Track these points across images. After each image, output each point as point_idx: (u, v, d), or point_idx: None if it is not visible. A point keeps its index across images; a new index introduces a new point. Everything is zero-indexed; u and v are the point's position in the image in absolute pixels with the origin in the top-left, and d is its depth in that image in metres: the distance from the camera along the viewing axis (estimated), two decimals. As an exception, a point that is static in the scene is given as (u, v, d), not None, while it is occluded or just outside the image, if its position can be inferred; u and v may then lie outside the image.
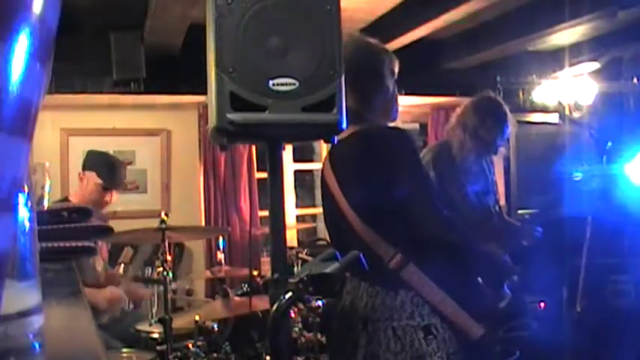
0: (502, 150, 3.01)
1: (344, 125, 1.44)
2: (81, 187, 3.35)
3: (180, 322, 2.87)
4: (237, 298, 3.06)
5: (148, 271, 3.69)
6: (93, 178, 3.30)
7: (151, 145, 4.99)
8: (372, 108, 1.91)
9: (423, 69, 4.73)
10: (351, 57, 1.85)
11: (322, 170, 2.00)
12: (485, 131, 2.85)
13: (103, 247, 3.37)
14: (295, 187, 5.51)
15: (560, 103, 4.91)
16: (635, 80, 5.00)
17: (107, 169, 3.35)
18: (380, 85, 1.91)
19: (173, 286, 3.19)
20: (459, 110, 2.98)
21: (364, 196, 1.82)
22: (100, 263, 3.34)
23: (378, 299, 1.80)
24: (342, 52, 1.42)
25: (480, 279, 1.98)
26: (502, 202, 3.46)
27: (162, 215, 2.89)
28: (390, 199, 1.75)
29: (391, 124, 1.98)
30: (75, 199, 3.31)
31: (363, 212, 1.81)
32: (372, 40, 1.99)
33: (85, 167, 3.39)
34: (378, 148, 1.82)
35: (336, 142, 1.89)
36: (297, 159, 5.52)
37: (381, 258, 1.76)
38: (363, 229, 1.79)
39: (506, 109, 2.96)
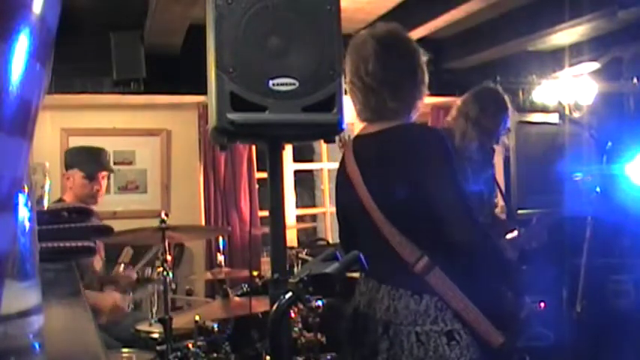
0: (504, 140, 2.99)
1: (344, 125, 1.44)
2: (69, 187, 3.37)
3: (180, 322, 2.87)
4: (237, 299, 3.06)
5: (148, 271, 3.69)
6: (77, 174, 3.34)
7: (151, 145, 4.99)
8: (416, 107, 1.87)
9: (423, 69, 4.73)
10: (399, 56, 1.82)
11: (342, 165, 1.92)
12: (487, 119, 2.85)
13: (100, 246, 3.36)
14: (295, 187, 5.51)
15: (560, 103, 4.91)
16: (635, 80, 4.99)
17: (85, 159, 3.38)
18: (426, 84, 1.90)
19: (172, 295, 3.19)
20: (459, 102, 2.98)
21: (394, 196, 1.76)
22: (98, 263, 3.34)
23: (401, 303, 1.75)
24: (342, 52, 1.42)
25: (504, 286, 1.96)
26: (500, 202, 3.45)
27: (163, 215, 2.89)
28: (421, 199, 1.71)
29: (423, 123, 1.95)
30: (68, 198, 3.34)
31: (391, 212, 1.75)
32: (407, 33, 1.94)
33: (66, 167, 3.42)
34: (414, 147, 1.76)
35: (361, 137, 1.87)
36: (297, 159, 5.52)
37: (406, 260, 1.72)
38: (389, 229, 1.74)
39: (506, 97, 2.97)
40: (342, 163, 1.93)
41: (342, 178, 1.92)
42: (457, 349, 1.71)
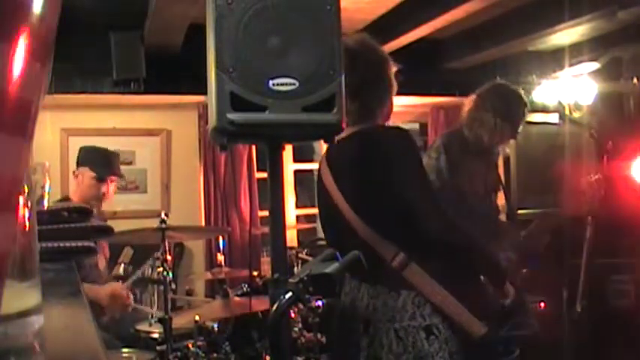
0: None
1: (344, 125, 1.44)
2: (77, 185, 3.35)
3: (180, 322, 2.87)
4: (237, 299, 3.06)
5: (148, 271, 3.69)
6: (87, 173, 3.31)
7: (151, 145, 4.99)
8: (380, 113, 1.93)
9: (423, 69, 4.73)
10: (363, 63, 1.87)
11: (319, 171, 2.00)
12: (514, 112, 2.84)
13: (104, 245, 3.36)
14: (295, 187, 5.51)
15: (560, 103, 4.91)
16: (635, 80, 4.99)
17: (98, 160, 3.36)
18: (391, 92, 1.94)
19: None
20: (472, 100, 2.91)
21: (365, 196, 1.82)
22: (102, 262, 3.34)
23: (379, 300, 1.79)
24: (342, 51, 1.42)
25: (482, 277, 1.97)
26: (502, 201, 3.45)
27: (163, 215, 2.89)
28: (391, 198, 1.75)
29: (391, 124, 2.00)
30: (75, 197, 3.32)
31: (364, 212, 1.80)
32: (377, 44, 2.00)
33: (78, 164, 3.40)
34: (380, 148, 1.82)
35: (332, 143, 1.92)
36: (297, 159, 5.52)
37: (383, 258, 1.76)
38: (364, 229, 1.79)
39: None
40: (319, 170, 2.00)
41: (319, 183, 1.99)
42: (436, 344, 1.74)
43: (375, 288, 1.81)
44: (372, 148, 1.83)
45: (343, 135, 1.87)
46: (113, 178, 3.41)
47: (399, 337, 1.75)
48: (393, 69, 1.96)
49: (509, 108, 2.83)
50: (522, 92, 2.95)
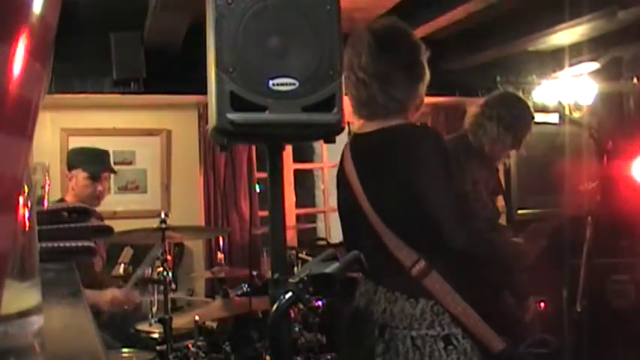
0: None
1: (344, 125, 1.44)
2: (72, 187, 3.37)
3: (180, 322, 2.87)
4: (237, 299, 3.06)
5: (148, 271, 3.69)
6: (80, 174, 3.33)
7: (151, 145, 4.99)
8: (411, 105, 1.83)
9: (423, 69, 4.72)
10: (392, 50, 1.77)
11: (341, 164, 1.90)
12: (518, 124, 2.81)
13: (100, 246, 3.36)
14: (295, 187, 5.51)
15: (560, 103, 4.91)
16: (635, 80, 4.99)
17: (89, 159, 3.37)
18: (424, 81, 1.85)
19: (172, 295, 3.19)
20: (479, 105, 2.89)
21: (389, 198, 1.74)
22: (98, 263, 3.34)
23: (397, 306, 1.73)
24: (342, 51, 1.42)
25: (504, 290, 1.93)
26: (501, 203, 3.44)
27: (163, 215, 2.89)
28: (415, 202, 1.69)
29: (419, 123, 1.91)
30: (70, 198, 3.33)
31: (387, 215, 1.73)
32: (409, 28, 1.89)
33: (69, 167, 3.42)
34: (406, 147, 1.74)
35: (358, 136, 1.84)
36: (297, 159, 5.52)
37: (402, 263, 1.70)
38: (385, 231, 1.72)
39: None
40: (342, 162, 1.90)
41: (341, 177, 1.90)
42: (454, 354, 1.68)
43: (392, 293, 1.75)
44: (400, 148, 1.74)
45: (368, 129, 1.80)
46: (106, 174, 3.42)
47: (415, 345, 1.69)
48: (426, 55, 1.85)
49: (513, 118, 2.80)
50: (530, 104, 2.92)
